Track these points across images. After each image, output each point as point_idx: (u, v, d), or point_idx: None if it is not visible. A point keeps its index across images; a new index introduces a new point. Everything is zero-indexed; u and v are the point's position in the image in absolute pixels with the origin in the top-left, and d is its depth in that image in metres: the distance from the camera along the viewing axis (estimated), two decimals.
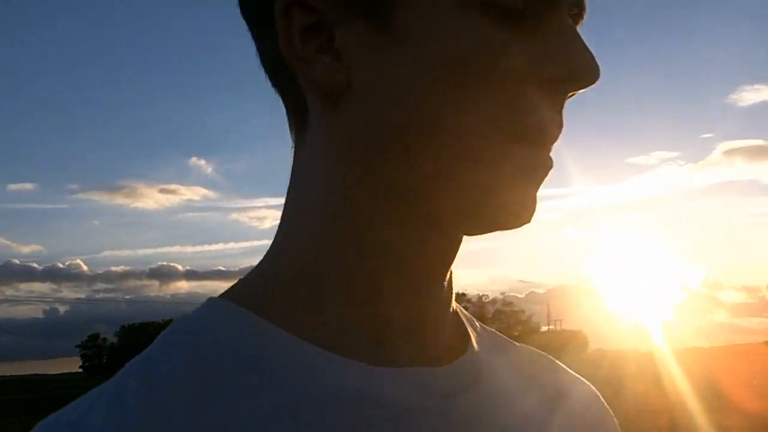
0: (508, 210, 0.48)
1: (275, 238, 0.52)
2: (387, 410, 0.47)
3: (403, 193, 0.47)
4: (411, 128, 0.45)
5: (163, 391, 0.45)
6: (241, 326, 0.48)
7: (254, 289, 0.50)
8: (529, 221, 0.49)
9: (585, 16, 0.50)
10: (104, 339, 60.67)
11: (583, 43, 0.47)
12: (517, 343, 0.63)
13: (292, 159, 0.51)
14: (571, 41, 0.46)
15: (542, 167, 0.48)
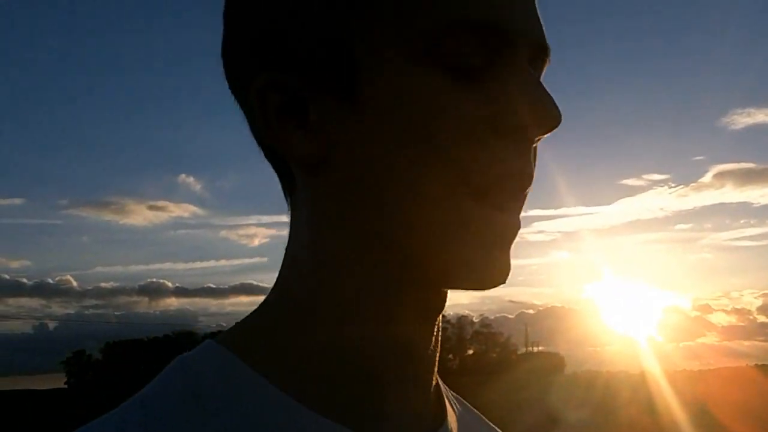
0: (479, 271, 0.49)
1: (272, 291, 0.55)
2: None
3: (381, 249, 0.50)
4: (382, 190, 0.49)
5: (160, 425, 0.48)
6: (234, 377, 0.50)
7: (249, 338, 0.53)
8: (500, 283, 0.50)
9: (549, 57, 0.52)
10: (89, 355, 60.01)
11: (543, 89, 0.49)
12: (470, 407, 0.65)
13: (289, 220, 0.56)
14: (530, 89, 0.48)
15: (510, 230, 0.50)
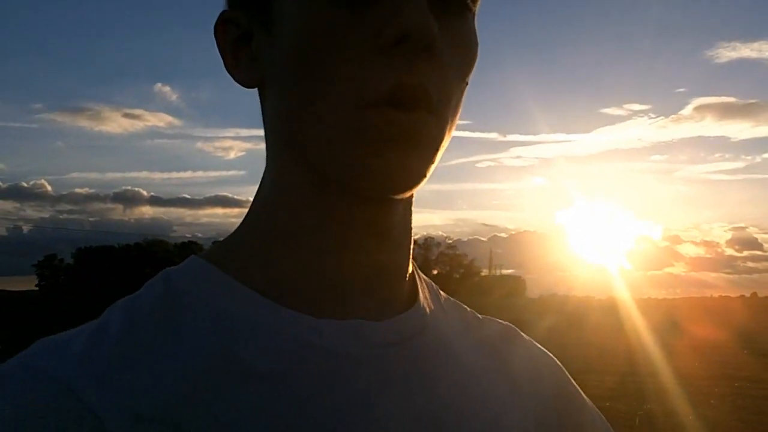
0: (369, 173, 0.52)
1: (247, 212, 0.61)
2: (324, 356, 0.54)
3: (305, 162, 0.55)
4: (290, 108, 0.54)
5: (139, 324, 0.53)
6: (209, 280, 0.56)
7: (226, 250, 0.59)
8: (401, 190, 0.53)
9: None
10: (61, 260, 59.99)
11: (416, 3, 0.51)
12: (477, 314, 0.69)
13: None
14: (404, 5, 0.51)
15: (404, 128, 0.51)
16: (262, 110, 0.60)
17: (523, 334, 0.71)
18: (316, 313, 0.55)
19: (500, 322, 0.71)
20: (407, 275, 0.61)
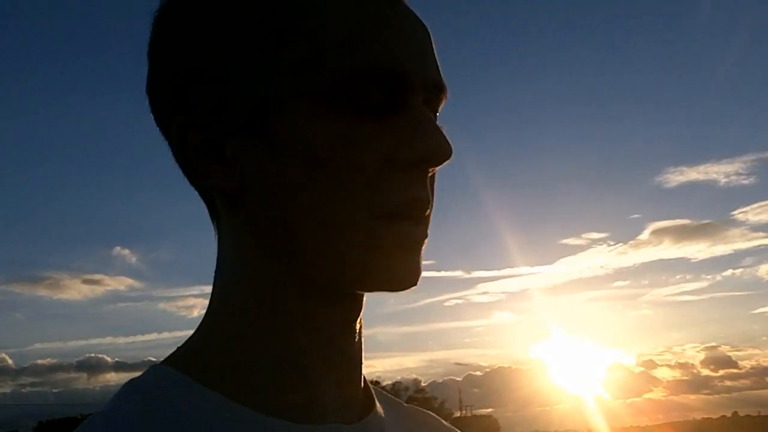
0: (387, 275, 0.55)
1: (205, 316, 0.60)
2: None
3: (298, 268, 0.56)
4: (292, 217, 0.55)
5: None
6: (181, 389, 0.56)
7: (188, 355, 0.59)
8: (409, 286, 0.57)
9: (446, 94, 0.59)
10: None
11: (435, 127, 0.55)
12: (404, 404, 0.73)
13: (216, 244, 0.62)
14: (422, 126, 0.55)
15: (414, 238, 0.56)
16: (229, 216, 0.58)
17: (444, 422, 0.74)
18: (294, 417, 0.56)
19: (425, 413, 0.74)
20: (362, 382, 0.64)
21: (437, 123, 0.57)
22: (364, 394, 0.64)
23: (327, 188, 0.53)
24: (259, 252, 0.57)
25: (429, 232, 0.58)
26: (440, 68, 0.59)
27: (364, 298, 0.61)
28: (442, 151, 0.54)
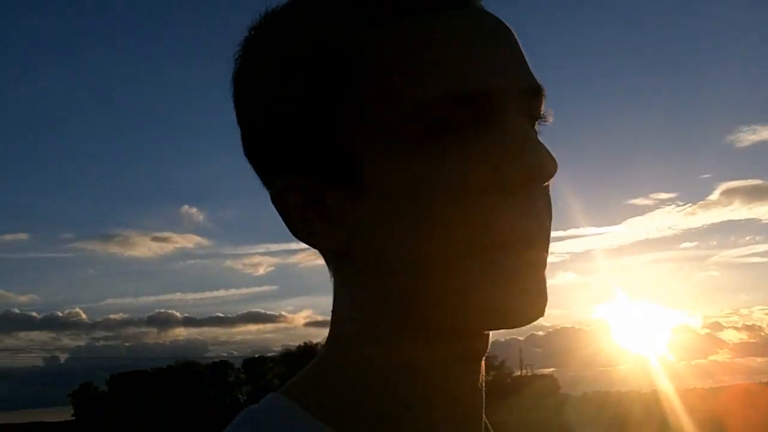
0: (513, 309, 0.52)
1: (326, 346, 0.59)
2: None
3: (417, 315, 0.54)
4: (401, 262, 0.52)
5: None
6: (298, 425, 0.54)
7: (310, 389, 0.57)
8: (538, 316, 0.53)
9: (544, 94, 0.55)
10: (96, 388, 59.70)
11: (536, 142, 0.51)
12: None
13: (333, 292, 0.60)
14: (522, 144, 0.50)
15: (535, 266, 0.53)
16: (340, 270, 0.57)
17: None
18: None
19: None
20: (483, 426, 0.60)
21: (536, 131, 0.54)
22: None
23: (435, 230, 0.51)
24: (374, 304, 0.55)
25: None
26: (530, 67, 0.54)
27: (488, 345, 0.57)
28: (544, 169, 0.50)
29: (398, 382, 0.55)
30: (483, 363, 0.58)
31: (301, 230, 0.56)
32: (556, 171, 0.51)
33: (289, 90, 0.54)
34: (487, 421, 0.63)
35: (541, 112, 0.55)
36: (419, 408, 0.55)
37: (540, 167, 0.50)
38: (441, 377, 0.55)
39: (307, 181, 0.54)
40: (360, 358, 0.56)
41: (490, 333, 0.57)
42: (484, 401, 0.59)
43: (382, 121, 0.51)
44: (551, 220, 0.54)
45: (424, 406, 0.55)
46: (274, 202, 0.56)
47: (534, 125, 0.55)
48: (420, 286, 0.53)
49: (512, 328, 0.53)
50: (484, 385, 0.59)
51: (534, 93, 0.54)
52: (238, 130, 0.59)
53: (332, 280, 0.59)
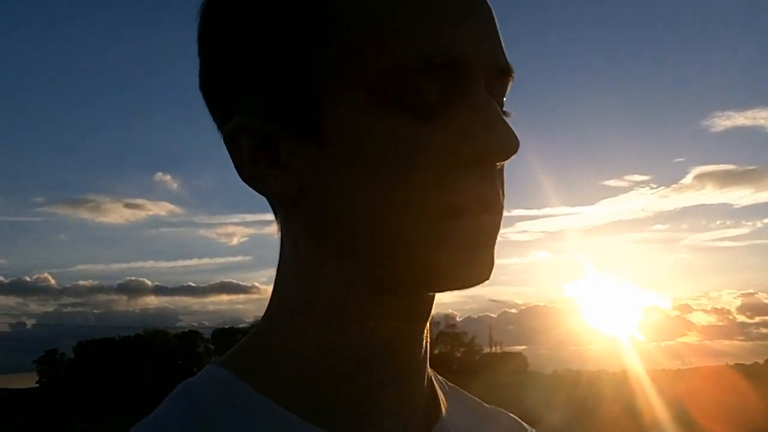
0: (457, 273, 0.53)
1: (266, 312, 0.59)
2: None
3: (360, 272, 0.54)
4: (354, 218, 0.52)
5: None
6: (236, 397, 0.54)
7: (245, 358, 0.57)
8: (481, 281, 0.54)
9: (512, 76, 0.55)
10: (62, 355, 58.94)
11: (498, 119, 0.51)
12: (485, 404, 0.71)
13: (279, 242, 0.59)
14: (485, 119, 0.51)
15: (485, 232, 0.53)
16: (288, 219, 0.57)
17: (525, 425, 0.72)
18: (339, 424, 0.55)
19: (509, 416, 0.72)
20: (426, 383, 0.61)
21: (502, 110, 0.54)
22: (431, 396, 0.62)
23: (387, 188, 0.51)
24: (318, 256, 0.55)
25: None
26: (504, 48, 0.54)
27: (432, 307, 0.58)
28: (506, 147, 0.51)
29: (340, 350, 0.55)
30: (427, 331, 0.58)
31: (251, 174, 0.55)
32: (516, 151, 0.51)
33: (262, 25, 0.53)
34: (439, 380, 0.64)
35: (505, 95, 0.55)
36: (360, 378, 0.55)
37: (502, 145, 0.51)
38: (384, 341, 0.55)
39: (265, 125, 0.53)
40: (302, 329, 0.55)
41: (435, 296, 0.57)
42: (427, 369, 0.60)
43: (350, 78, 0.51)
44: (505, 197, 0.54)
45: (364, 375, 0.55)
46: (225, 142, 0.55)
47: (500, 104, 0.54)
48: (368, 248, 0.53)
49: (455, 290, 0.54)
50: (428, 352, 0.59)
51: (504, 72, 0.54)
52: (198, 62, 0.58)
53: (279, 234, 0.59)
